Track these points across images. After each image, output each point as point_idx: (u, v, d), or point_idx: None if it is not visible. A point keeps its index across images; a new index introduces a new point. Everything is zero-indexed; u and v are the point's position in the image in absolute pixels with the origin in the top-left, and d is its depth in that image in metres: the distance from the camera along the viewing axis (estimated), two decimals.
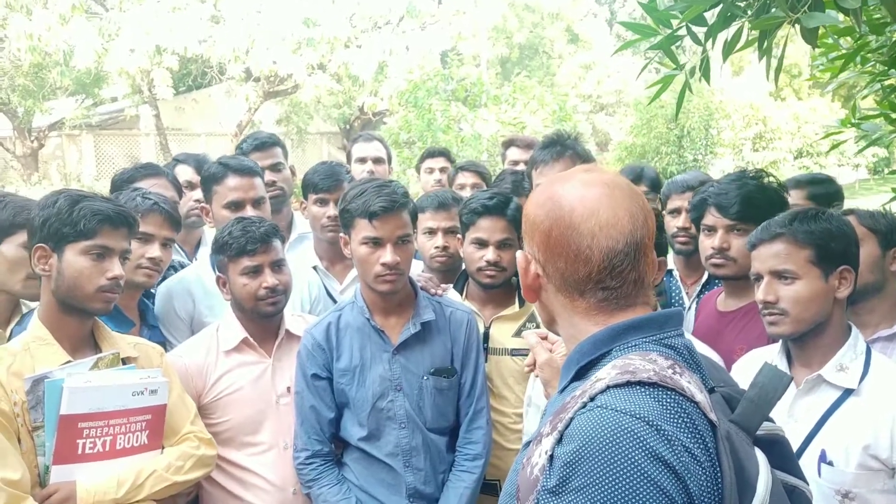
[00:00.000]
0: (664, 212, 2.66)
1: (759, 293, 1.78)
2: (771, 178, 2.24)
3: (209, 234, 3.11)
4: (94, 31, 11.96)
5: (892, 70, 2.61)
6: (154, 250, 2.35)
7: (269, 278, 2.21)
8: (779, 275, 1.75)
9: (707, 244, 2.24)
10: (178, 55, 12.43)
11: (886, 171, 21.17)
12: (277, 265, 2.25)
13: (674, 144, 13.57)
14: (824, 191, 2.87)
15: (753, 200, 2.13)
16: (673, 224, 2.59)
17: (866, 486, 1.63)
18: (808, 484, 1.16)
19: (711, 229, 2.22)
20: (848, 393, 1.69)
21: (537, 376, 1.71)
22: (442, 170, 3.90)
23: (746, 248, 1.88)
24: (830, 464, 1.66)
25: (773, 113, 19.34)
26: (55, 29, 11.61)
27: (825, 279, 1.72)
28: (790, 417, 1.74)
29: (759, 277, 1.80)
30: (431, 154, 4.06)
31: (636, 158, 13.42)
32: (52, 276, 1.84)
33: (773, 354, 1.88)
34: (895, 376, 1.71)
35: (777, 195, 2.20)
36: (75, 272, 1.82)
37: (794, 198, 2.87)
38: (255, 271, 2.21)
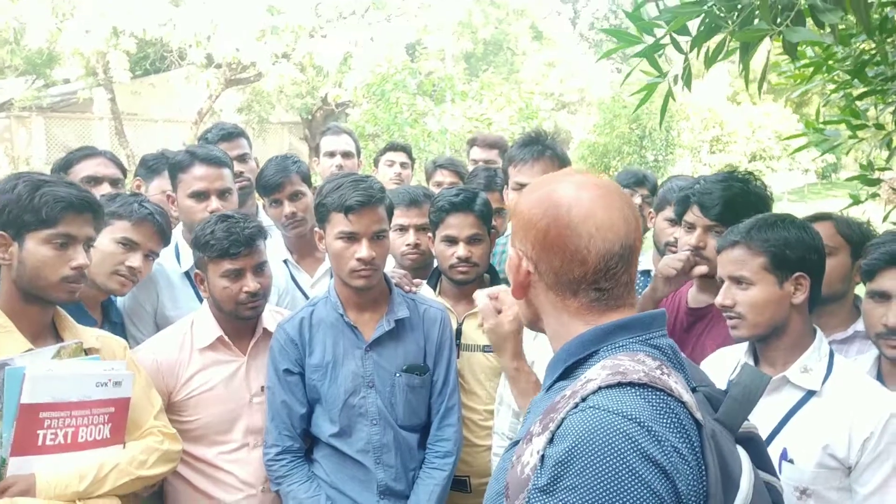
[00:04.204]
0: (661, 216, 2.68)
1: (718, 297, 1.84)
2: (758, 182, 2.24)
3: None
4: (47, 10, 11.52)
5: (856, 80, 2.71)
6: (136, 259, 2.27)
7: (250, 283, 2.14)
8: (736, 280, 1.81)
9: (685, 240, 2.26)
10: (136, 38, 12.06)
11: (834, 175, 21.98)
12: (260, 268, 2.18)
13: (635, 144, 13.78)
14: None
15: (736, 203, 2.13)
16: (670, 233, 2.59)
17: (823, 484, 1.68)
18: (779, 479, 1.20)
19: (691, 227, 2.24)
20: (810, 394, 1.74)
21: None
22: (402, 164, 3.86)
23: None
24: (791, 462, 1.70)
25: (730, 117, 19.84)
26: (5, 6, 11.15)
27: (780, 285, 1.77)
28: (752, 416, 1.78)
29: (722, 281, 1.86)
30: (393, 147, 4.01)
31: (598, 157, 13.59)
32: (13, 266, 1.75)
33: (740, 353, 1.92)
34: (856, 379, 1.77)
35: (761, 200, 2.20)
36: (38, 262, 1.74)
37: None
38: (237, 275, 2.13)
